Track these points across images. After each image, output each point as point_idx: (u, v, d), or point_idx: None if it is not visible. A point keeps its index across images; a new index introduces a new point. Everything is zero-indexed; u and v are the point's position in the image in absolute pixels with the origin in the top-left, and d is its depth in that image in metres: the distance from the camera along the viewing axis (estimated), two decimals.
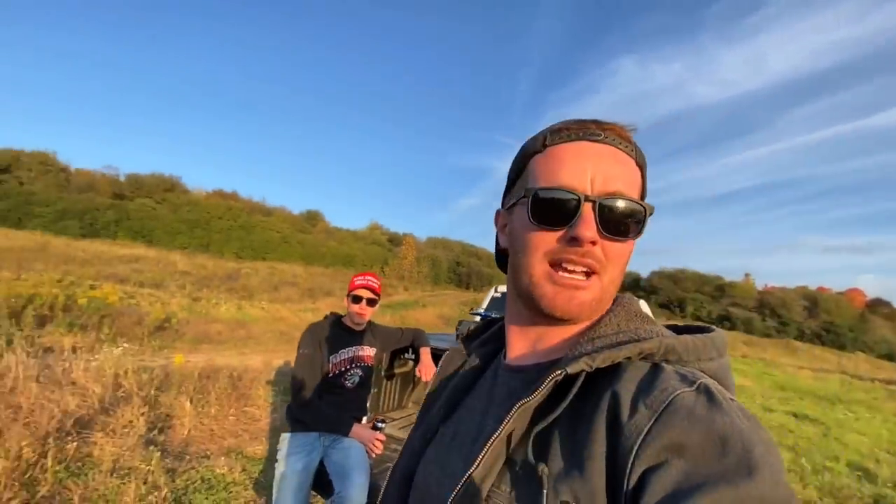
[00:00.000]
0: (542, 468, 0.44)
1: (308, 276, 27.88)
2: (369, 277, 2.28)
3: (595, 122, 0.52)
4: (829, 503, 4.07)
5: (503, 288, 4.32)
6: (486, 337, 0.70)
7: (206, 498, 2.79)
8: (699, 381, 0.43)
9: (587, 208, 0.48)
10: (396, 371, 3.16)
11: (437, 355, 2.46)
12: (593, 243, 0.48)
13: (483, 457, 0.48)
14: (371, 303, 2.25)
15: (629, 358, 0.46)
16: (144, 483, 2.75)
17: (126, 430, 3.37)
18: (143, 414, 3.60)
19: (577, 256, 0.49)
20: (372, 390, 2.69)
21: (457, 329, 2.75)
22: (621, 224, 0.49)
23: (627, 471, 0.40)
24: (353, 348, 2.27)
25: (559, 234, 0.49)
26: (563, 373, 0.45)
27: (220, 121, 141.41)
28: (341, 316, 2.35)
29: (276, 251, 37.49)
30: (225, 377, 4.83)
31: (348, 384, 2.24)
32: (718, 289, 54.57)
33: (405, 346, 2.60)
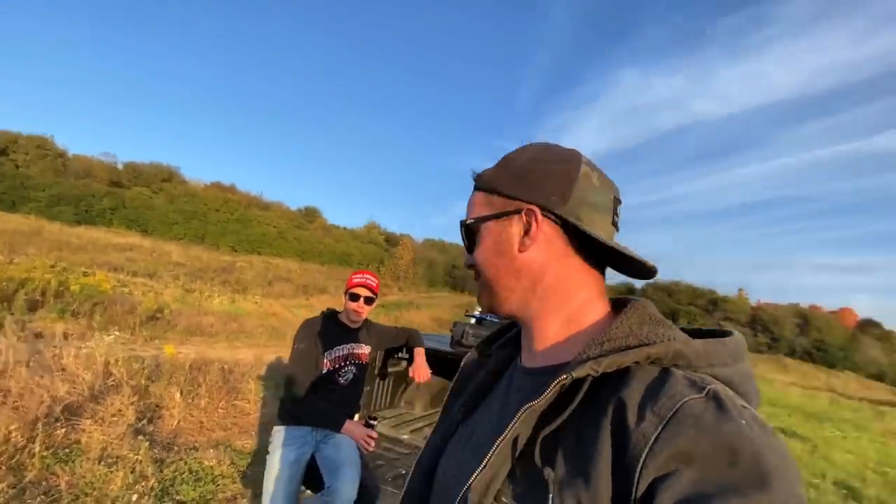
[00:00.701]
0: (549, 473, 0.45)
1: (303, 273, 27.82)
2: (367, 276, 2.28)
3: None
4: None
5: None
6: (508, 338, 0.71)
7: (194, 489, 2.77)
8: (709, 388, 0.42)
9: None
10: (390, 370, 3.16)
11: (430, 356, 2.47)
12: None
13: (490, 458, 0.49)
14: (368, 301, 2.25)
15: (637, 362, 0.45)
16: (132, 472, 2.73)
17: (115, 419, 3.34)
18: (132, 403, 3.57)
19: None
20: (365, 388, 2.70)
21: (451, 331, 2.75)
22: (465, 240, 0.63)
23: (635, 479, 0.39)
24: (349, 345, 2.27)
25: None
26: (569, 377, 0.45)
27: (219, 114, 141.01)
28: (337, 312, 2.35)
29: (272, 246, 37.29)
30: (216, 370, 4.80)
31: (342, 381, 2.24)
32: (712, 302, 54.36)
33: (400, 345, 2.60)
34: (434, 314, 23.02)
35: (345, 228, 52.94)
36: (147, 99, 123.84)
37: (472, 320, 3.06)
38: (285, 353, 2.17)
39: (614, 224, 0.57)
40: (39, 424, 2.82)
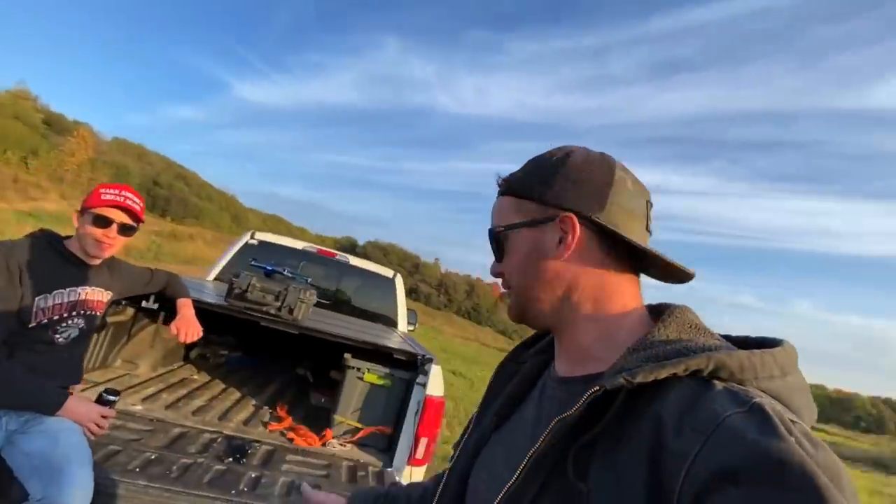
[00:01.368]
0: (582, 487, 0.43)
1: None
2: (128, 193, 1.61)
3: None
4: None
5: (262, 235, 3.80)
6: (543, 345, 0.67)
7: None
8: (752, 402, 0.39)
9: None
10: (109, 320, 2.35)
11: (196, 310, 1.95)
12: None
13: (522, 470, 0.48)
14: (125, 230, 1.60)
15: (675, 374, 0.43)
16: None
17: None
18: None
19: None
20: None
21: (233, 280, 2.20)
22: (493, 248, 0.62)
23: (675, 497, 0.37)
24: (78, 289, 1.57)
25: None
26: (602, 389, 0.43)
27: None
28: (63, 239, 1.58)
29: None
30: None
31: (60, 339, 1.54)
32: (414, 266, 66.08)
33: (152, 292, 1.97)
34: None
35: None
36: None
37: (262, 272, 2.51)
38: None
39: (648, 229, 0.57)
40: None
